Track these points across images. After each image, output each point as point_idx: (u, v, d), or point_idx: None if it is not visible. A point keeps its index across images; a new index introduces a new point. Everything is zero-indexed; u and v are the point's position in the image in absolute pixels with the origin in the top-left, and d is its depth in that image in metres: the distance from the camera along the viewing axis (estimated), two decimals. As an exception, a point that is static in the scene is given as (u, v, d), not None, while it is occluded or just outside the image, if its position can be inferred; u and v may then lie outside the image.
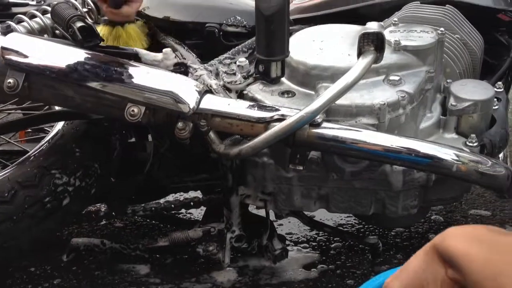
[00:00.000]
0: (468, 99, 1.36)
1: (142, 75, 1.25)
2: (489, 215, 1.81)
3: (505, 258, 0.46)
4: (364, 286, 0.95)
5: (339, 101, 1.26)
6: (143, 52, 1.40)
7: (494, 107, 1.44)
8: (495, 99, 1.46)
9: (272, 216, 1.57)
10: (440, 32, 1.40)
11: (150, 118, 1.25)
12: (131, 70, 1.25)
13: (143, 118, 1.22)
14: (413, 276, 0.54)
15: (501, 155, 1.49)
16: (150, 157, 1.49)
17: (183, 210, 1.88)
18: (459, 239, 0.50)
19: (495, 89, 1.44)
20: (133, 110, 1.21)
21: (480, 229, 0.50)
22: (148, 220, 1.82)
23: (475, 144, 1.34)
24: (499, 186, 1.28)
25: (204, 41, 1.58)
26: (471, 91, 1.38)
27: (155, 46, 1.55)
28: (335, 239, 1.69)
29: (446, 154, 1.23)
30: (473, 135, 1.35)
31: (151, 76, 1.25)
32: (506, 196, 1.40)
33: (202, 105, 1.22)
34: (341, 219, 1.82)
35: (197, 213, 1.86)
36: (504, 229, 0.51)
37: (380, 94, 1.29)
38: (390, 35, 1.39)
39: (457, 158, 1.22)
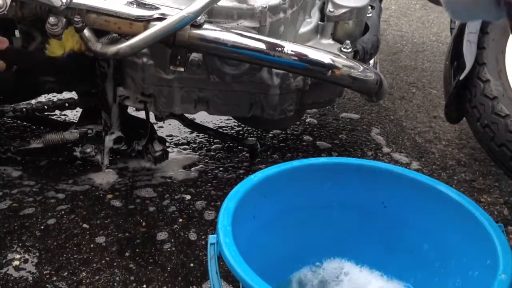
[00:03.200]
0: (345, 5, 1.41)
1: (6, -38, 1.13)
2: (358, 118, 1.94)
3: None
4: (243, 183, 1.00)
5: (221, 3, 1.24)
6: None
7: (368, 15, 1.50)
8: (369, 7, 1.52)
9: (152, 119, 1.55)
10: None
11: (17, 11, 1.15)
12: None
13: (9, 11, 1.12)
14: None
15: (371, 61, 1.57)
16: (18, 54, 1.38)
17: (57, 112, 1.80)
18: None
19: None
20: (-3, 2, 1.10)
21: None
22: (19, 122, 1.72)
23: (349, 50, 1.40)
24: (369, 90, 1.37)
25: None
26: (348, -3, 1.42)
27: None
28: (215, 141, 1.73)
29: (322, 58, 1.28)
30: (347, 41, 1.40)
31: (16, -36, 1.14)
32: (374, 99, 1.50)
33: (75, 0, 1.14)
34: (221, 121, 1.85)
35: (72, 115, 1.79)
36: None
37: (262, -3, 1.29)
38: None
39: (332, 63, 1.28)
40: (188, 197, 1.48)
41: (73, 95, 1.64)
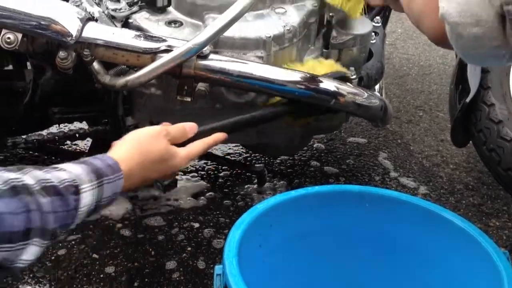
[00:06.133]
0: (349, 33, 1.43)
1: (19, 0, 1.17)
2: (366, 142, 1.95)
3: None
4: (249, 212, 1.01)
5: (227, 33, 1.26)
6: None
7: (372, 41, 1.52)
8: (373, 34, 1.54)
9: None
10: (324, -34, 1.43)
11: (28, 46, 1.18)
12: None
13: (20, 46, 1.15)
14: None
15: (377, 86, 1.59)
16: (29, 86, 1.42)
17: (68, 142, 1.83)
18: None
19: (373, 23, 1.52)
20: (8, 38, 1.14)
21: None
22: (30, 152, 1.75)
23: (354, 76, 1.41)
24: (373, 116, 1.38)
25: (85, -36, 1.49)
26: (353, 25, 1.44)
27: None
28: (223, 168, 1.74)
29: (327, 86, 1.29)
30: (352, 68, 1.42)
31: (28, 0, 1.17)
32: (380, 125, 1.51)
33: (84, 34, 1.17)
34: (229, 148, 1.87)
35: (83, 144, 1.82)
36: None
37: (267, 27, 1.31)
38: (277, -33, 1.39)
39: (337, 91, 1.30)
40: (196, 225, 1.49)
41: (84, 125, 1.67)
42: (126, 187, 0.86)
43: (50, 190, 0.73)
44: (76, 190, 0.76)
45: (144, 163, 0.90)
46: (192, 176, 1.71)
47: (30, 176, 0.72)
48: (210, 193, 1.63)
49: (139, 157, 0.89)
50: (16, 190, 0.69)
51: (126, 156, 0.87)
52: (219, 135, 1.07)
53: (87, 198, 0.77)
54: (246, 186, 1.67)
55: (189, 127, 1.02)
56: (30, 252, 0.70)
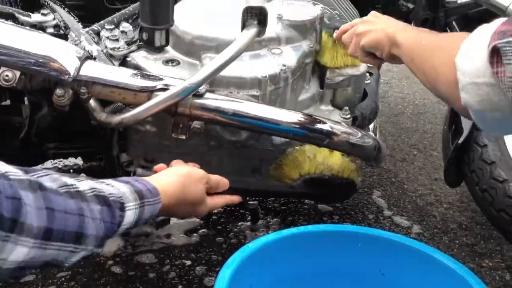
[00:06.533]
0: (343, 73, 1.45)
1: (18, 37, 1.18)
2: (360, 180, 1.95)
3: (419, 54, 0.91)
4: (240, 251, 1.00)
5: (223, 72, 1.28)
6: (20, 12, 1.33)
7: (366, 82, 1.54)
8: (367, 74, 1.57)
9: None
10: (320, 7, 1.47)
11: (26, 83, 1.19)
12: (6, 31, 1.18)
13: (18, 83, 1.17)
14: (375, 34, 1.07)
15: (371, 126, 1.60)
16: (25, 122, 1.43)
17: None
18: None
19: (368, 64, 1.54)
20: (7, 75, 1.15)
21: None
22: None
23: (348, 116, 1.43)
24: (367, 155, 1.39)
25: (85, 3, 1.52)
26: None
27: (33, 6, 1.47)
28: (217, 204, 1.74)
29: (321, 126, 1.31)
30: (346, 108, 1.44)
31: (27, 38, 1.19)
32: (374, 164, 1.52)
33: (82, 72, 1.19)
34: (224, 184, 1.87)
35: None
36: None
37: (263, 67, 1.33)
38: (273, 9, 1.43)
39: (331, 130, 1.31)
40: (188, 262, 1.48)
41: (79, 160, 1.67)
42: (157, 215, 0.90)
43: (101, 199, 0.76)
44: (122, 206, 0.79)
45: (181, 201, 0.94)
46: (186, 213, 1.70)
47: (84, 183, 0.75)
48: (203, 230, 1.63)
49: (179, 195, 0.94)
50: (72, 194, 0.72)
51: (168, 189, 0.92)
52: (237, 198, 1.12)
53: (130, 217, 0.80)
54: (239, 223, 1.67)
55: (224, 183, 1.09)
56: (79, 256, 0.73)
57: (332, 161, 1.37)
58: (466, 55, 0.74)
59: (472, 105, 0.73)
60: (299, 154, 1.38)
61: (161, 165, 1.07)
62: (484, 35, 0.72)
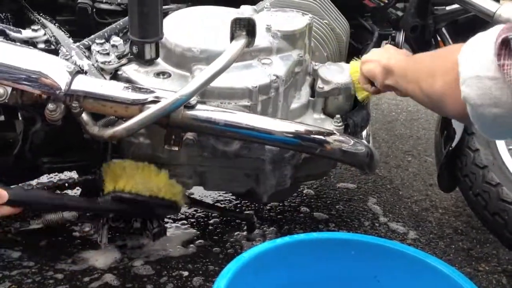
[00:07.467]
0: (334, 82, 1.46)
1: (9, 53, 1.20)
2: (355, 188, 1.96)
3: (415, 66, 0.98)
4: (234, 261, 1.01)
5: (214, 83, 1.29)
6: (11, 28, 1.34)
7: (357, 90, 1.55)
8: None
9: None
10: (309, 17, 1.48)
11: (18, 99, 1.20)
12: (-4, 48, 1.19)
13: (9, 99, 1.18)
14: (373, 65, 1.18)
15: (364, 133, 1.61)
16: (19, 137, 1.43)
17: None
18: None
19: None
20: (-2, 91, 1.16)
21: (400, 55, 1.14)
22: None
23: (340, 124, 1.44)
24: (360, 162, 1.40)
25: (76, 18, 1.53)
26: (337, 74, 1.48)
27: (24, 22, 1.48)
28: (213, 215, 1.74)
29: (313, 134, 1.32)
30: (338, 116, 1.45)
31: (18, 54, 1.20)
32: (367, 171, 1.53)
33: (73, 87, 1.20)
34: (219, 195, 1.87)
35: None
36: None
37: (253, 77, 1.34)
38: (262, 19, 1.44)
39: (323, 138, 1.32)
40: (185, 273, 1.48)
41: (73, 174, 1.68)
42: None
43: None
44: None
45: None
46: (182, 224, 1.71)
47: None
48: (200, 240, 1.63)
49: None
50: None
51: None
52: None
53: None
54: (235, 233, 1.67)
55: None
56: None
57: (156, 181, 1.33)
58: (470, 52, 0.76)
59: (472, 98, 0.73)
60: (117, 168, 1.33)
61: None
62: (489, 34, 0.74)
